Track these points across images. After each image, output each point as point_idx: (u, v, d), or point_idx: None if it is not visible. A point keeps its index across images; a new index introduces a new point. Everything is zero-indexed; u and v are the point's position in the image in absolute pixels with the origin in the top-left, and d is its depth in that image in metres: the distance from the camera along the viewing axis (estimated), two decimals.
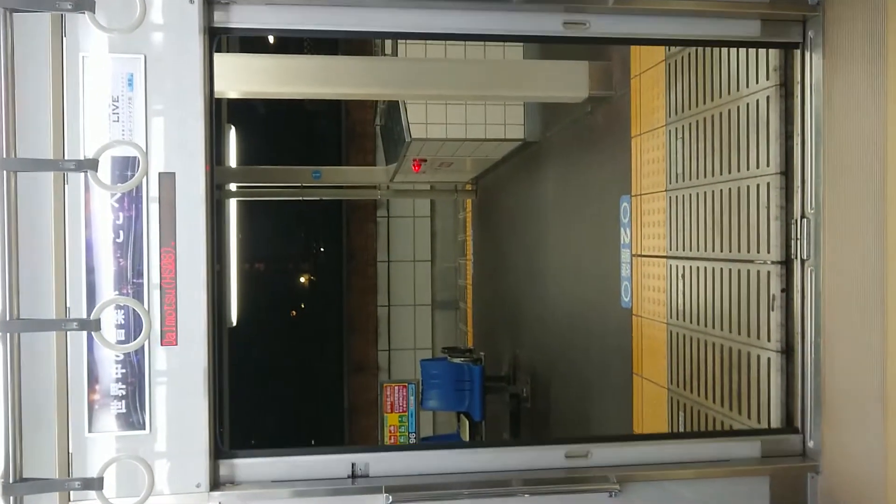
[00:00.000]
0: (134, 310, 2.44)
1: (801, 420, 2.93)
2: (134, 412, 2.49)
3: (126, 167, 2.44)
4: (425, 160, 8.51)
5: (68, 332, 2.43)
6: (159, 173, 2.49)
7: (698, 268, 4.11)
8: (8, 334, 2.25)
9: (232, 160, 10.14)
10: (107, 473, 2.38)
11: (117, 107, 2.46)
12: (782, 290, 3.28)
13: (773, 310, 3.35)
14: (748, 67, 3.58)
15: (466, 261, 11.47)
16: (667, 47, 4.41)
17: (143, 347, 2.47)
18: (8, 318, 2.25)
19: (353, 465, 2.69)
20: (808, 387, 2.90)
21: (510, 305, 8.70)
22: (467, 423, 8.55)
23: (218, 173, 2.86)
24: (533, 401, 7.77)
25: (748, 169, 3.58)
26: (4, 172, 2.25)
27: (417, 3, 2.68)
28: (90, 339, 2.44)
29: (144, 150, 2.44)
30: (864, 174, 2.57)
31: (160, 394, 2.51)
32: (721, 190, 3.86)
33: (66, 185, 2.45)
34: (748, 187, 3.57)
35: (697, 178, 4.12)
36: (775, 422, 3.28)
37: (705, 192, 4.03)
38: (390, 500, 2.55)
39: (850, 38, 2.64)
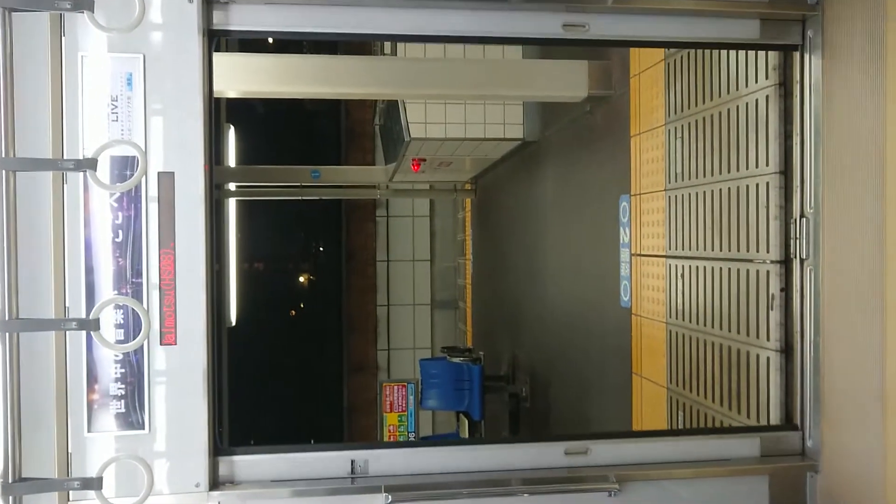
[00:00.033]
0: (133, 309, 2.44)
1: (800, 419, 2.93)
2: (133, 412, 2.49)
3: (125, 167, 2.44)
4: (424, 160, 8.51)
5: (67, 332, 2.43)
6: (158, 173, 2.49)
7: (697, 267, 4.11)
8: (7, 334, 2.25)
9: (231, 160, 10.14)
10: (106, 473, 2.38)
11: (116, 106, 2.46)
12: (781, 290, 3.28)
13: (772, 309, 3.35)
14: (747, 67, 3.58)
15: (466, 260, 11.47)
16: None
17: (142, 347, 2.47)
18: (7, 318, 2.25)
19: (352, 461, 2.69)
20: (807, 386, 2.90)
21: (509, 305, 8.70)
22: (466, 422, 8.56)
23: (217, 173, 2.85)
24: (532, 400, 7.77)
25: (747, 168, 3.58)
26: (3, 172, 2.25)
27: (417, 3, 2.68)
28: (89, 339, 2.44)
29: (143, 149, 2.44)
30: (864, 174, 2.57)
31: (159, 393, 2.51)
32: (720, 189, 3.86)
33: (65, 185, 2.45)
34: (747, 187, 3.57)
35: (697, 177, 4.12)
36: (774, 421, 3.28)
37: (704, 192, 4.03)
38: (390, 500, 2.55)
39: (849, 37, 2.64)
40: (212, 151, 2.56)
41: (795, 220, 2.96)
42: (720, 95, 3.87)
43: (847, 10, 2.65)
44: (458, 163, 9.03)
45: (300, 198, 9.87)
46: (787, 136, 3.27)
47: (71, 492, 2.42)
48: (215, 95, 2.69)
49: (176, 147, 2.50)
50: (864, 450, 2.60)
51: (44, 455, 2.42)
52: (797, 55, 2.90)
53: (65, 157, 2.42)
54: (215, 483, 2.58)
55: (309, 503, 2.61)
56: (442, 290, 12.39)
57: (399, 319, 12.21)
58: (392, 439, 8.34)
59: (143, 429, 2.50)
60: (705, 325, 4.03)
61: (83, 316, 2.42)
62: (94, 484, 2.34)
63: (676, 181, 4.35)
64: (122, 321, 2.46)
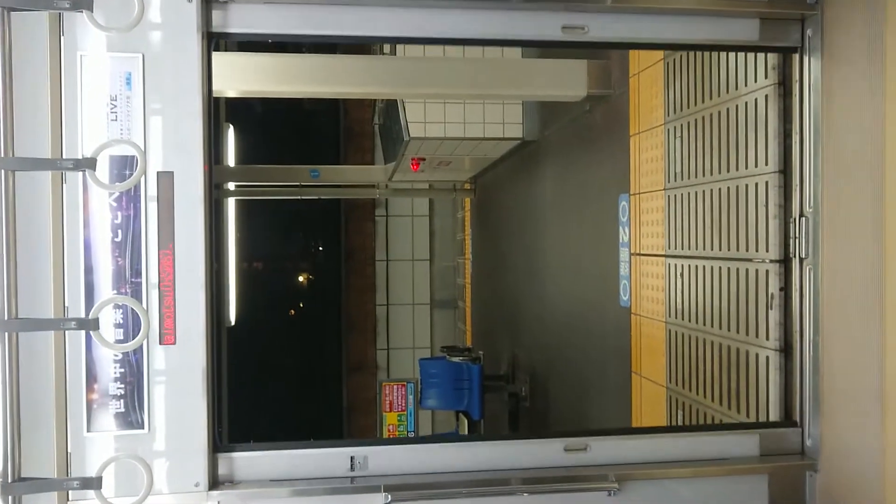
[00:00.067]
0: (132, 309, 2.44)
1: (799, 418, 2.94)
2: (132, 411, 2.49)
3: (124, 166, 2.44)
4: (424, 159, 8.51)
5: (67, 332, 2.43)
6: (157, 172, 2.49)
7: (697, 266, 4.11)
8: (6, 333, 2.25)
9: (230, 159, 10.13)
10: (105, 473, 2.38)
11: (115, 106, 2.46)
12: (781, 289, 3.29)
13: (771, 308, 3.36)
14: (746, 66, 3.58)
15: (465, 260, 11.47)
16: None
17: (141, 347, 2.47)
18: (6, 318, 2.25)
19: (351, 458, 2.69)
20: (806, 385, 2.90)
21: (509, 304, 8.70)
22: (466, 422, 8.56)
23: (216, 172, 2.86)
24: (532, 400, 7.77)
25: (747, 167, 3.59)
26: (2, 172, 2.25)
27: (417, 4, 2.68)
28: (89, 339, 2.44)
29: (143, 149, 2.44)
30: (863, 173, 2.58)
31: (159, 393, 2.50)
32: (719, 188, 3.86)
33: (64, 185, 2.45)
34: (747, 186, 3.57)
35: (696, 176, 4.12)
36: (774, 420, 3.28)
37: (704, 191, 4.03)
38: (389, 500, 2.55)
39: (848, 37, 2.65)
40: (211, 151, 2.56)
41: (795, 219, 2.96)
42: (719, 95, 3.87)
43: (846, 10, 2.65)
44: (457, 162, 9.03)
45: (299, 197, 9.86)
46: (786, 136, 3.27)
47: (70, 491, 2.42)
48: (214, 95, 2.69)
49: (175, 146, 2.50)
50: (863, 449, 2.60)
51: (43, 455, 2.42)
52: (796, 55, 2.90)
53: (64, 157, 2.42)
54: (215, 483, 2.58)
55: (308, 502, 2.61)
56: (441, 290, 12.39)
57: (398, 319, 12.21)
58: None
59: (143, 428, 2.49)
60: (705, 324, 4.03)
61: (82, 315, 2.42)
62: (94, 483, 2.34)
63: (676, 180, 4.35)
64: (121, 321, 2.46)
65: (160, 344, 2.50)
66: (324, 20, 2.66)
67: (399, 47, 7.05)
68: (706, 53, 3.99)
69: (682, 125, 4.28)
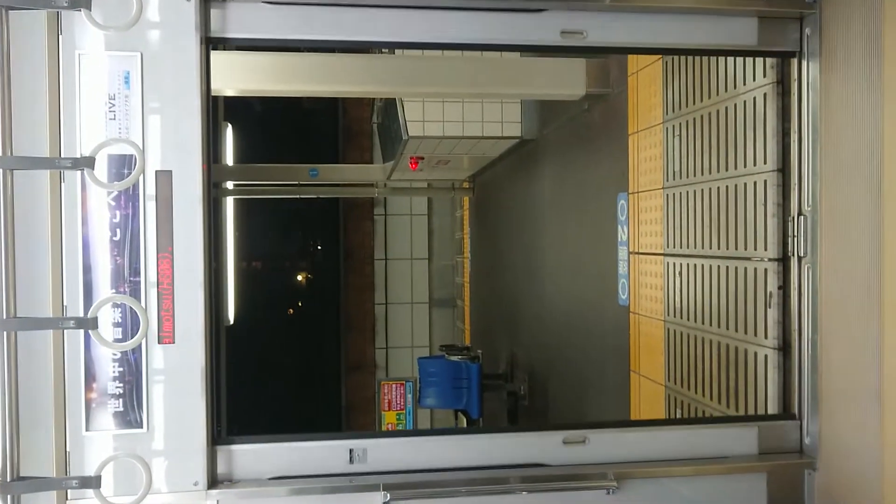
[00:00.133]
0: (131, 308, 2.44)
1: (798, 416, 2.94)
2: (131, 410, 2.49)
3: (123, 165, 2.44)
4: (422, 158, 8.51)
5: (65, 331, 2.43)
6: (156, 171, 2.49)
7: (695, 265, 4.12)
8: (5, 332, 2.25)
9: (229, 158, 10.12)
10: (104, 472, 2.38)
11: (114, 105, 2.46)
12: (779, 288, 3.29)
13: (770, 307, 3.36)
14: (745, 65, 3.58)
15: (464, 258, 11.47)
16: None
17: (140, 346, 2.47)
18: (5, 317, 2.25)
19: (350, 451, 2.69)
20: (804, 383, 2.91)
21: (508, 303, 8.70)
22: (465, 420, 8.56)
23: (215, 171, 2.86)
24: (531, 398, 7.77)
25: (745, 166, 3.59)
26: (1, 171, 2.25)
27: (417, 9, 2.68)
28: (87, 338, 2.44)
29: (141, 147, 2.43)
30: (861, 171, 2.58)
31: (158, 392, 2.50)
32: (718, 187, 3.87)
33: (62, 184, 2.44)
34: (745, 185, 3.58)
35: (695, 175, 4.12)
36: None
37: (702, 190, 4.03)
38: (388, 498, 2.55)
39: (847, 35, 2.65)
40: (209, 150, 2.56)
41: (793, 217, 2.97)
42: (718, 93, 3.87)
43: (845, 9, 2.65)
44: (455, 161, 9.02)
45: (298, 196, 9.86)
46: (784, 134, 3.27)
47: (69, 490, 2.42)
48: (213, 93, 2.68)
49: (173, 145, 2.49)
50: (861, 447, 2.61)
51: (42, 454, 2.42)
52: (795, 53, 2.90)
53: (62, 156, 2.41)
54: (214, 482, 2.58)
55: (307, 501, 2.61)
56: (440, 289, 12.39)
57: (397, 318, 12.21)
58: None
59: (142, 427, 2.49)
60: (703, 323, 4.04)
61: (81, 315, 2.42)
62: (93, 483, 2.34)
63: (674, 179, 4.35)
64: (120, 320, 2.46)
65: (159, 343, 2.50)
66: (325, 22, 2.66)
67: None
68: None
69: (680, 124, 4.28)
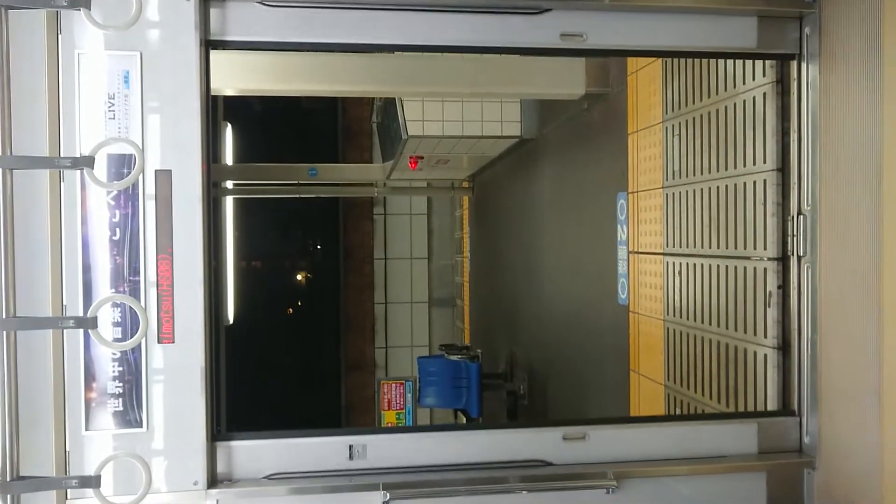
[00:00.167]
0: (130, 307, 2.44)
1: (797, 414, 2.94)
2: (131, 410, 2.49)
3: (122, 164, 2.44)
4: (422, 157, 8.50)
5: (65, 330, 2.43)
6: (155, 171, 2.49)
7: (695, 264, 4.12)
8: (4, 332, 2.25)
9: (228, 158, 10.12)
10: (104, 471, 2.38)
11: (113, 104, 2.46)
12: (779, 287, 3.29)
13: (769, 306, 3.36)
14: (744, 64, 3.58)
15: (463, 258, 11.47)
16: None
17: (140, 345, 2.46)
18: (4, 316, 2.25)
19: (350, 447, 2.69)
20: (804, 383, 2.91)
21: (507, 303, 8.70)
22: (465, 420, 8.56)
23: (214, 171, 2.85)
24: (530, 398, 7.77)
25: (745, 166, 3.59)
26: (0, 170, 2.25)
27: (417, 11, 2.68)
28: (87, 337, 2.44)
29: (140, 147, 2.43)
30: (861, 171, 2.58)
31: (157, 392, 2.50)
32: (718, 187, 3.87)
33: (62, 183, 2.44)
34: (745, 184, 3.58)
35: (694, 174, 4.12)
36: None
37: (702, 189, 4.03)
38: (388, 498, 2.56)
39: (846, 35, 2.65)
40: (209, 149, 2.56)
41: (793, 217, 2.97)
42: (717, 93, 3.87)
43: (844, 9, 2.65)
44: (455, 160, 9.02)
45: (297, 196, 9.86)
46: (784, 133, 3.27)
47: (69, 490, 2.41)
48: (212, 93, 2.68)
49: (173, 145, 2.49)
50: (861, 446, 2.61)
51: (42, 453, 2.42)
52: (794, 52, 2.90)
53: (62, 155, 2.41)
54: (213, 481, 2.58)
55: (307, 500, 2.61)
56: (439, 288, 12.39)
57: (397, 317, 12.21)
58: None
59: (141, 427, 2.49)
60: (703, 322, 4.04)
61: (81, 314, 2.42)
62: (92, 482, 2.34)
63: (674, 178, 4.36)
64: (119, 319, 2.46)
65: (158, 343, 2.50)
66: (323, 25, 2.65)
67: None
68: None
69: (680, 123, 4.28)
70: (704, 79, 4.01)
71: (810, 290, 2.87)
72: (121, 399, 2.48)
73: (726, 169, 3.79)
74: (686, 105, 4.21)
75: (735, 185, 3.68)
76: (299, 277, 13.42)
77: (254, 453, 2.65)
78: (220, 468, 2.62)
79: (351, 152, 11.85)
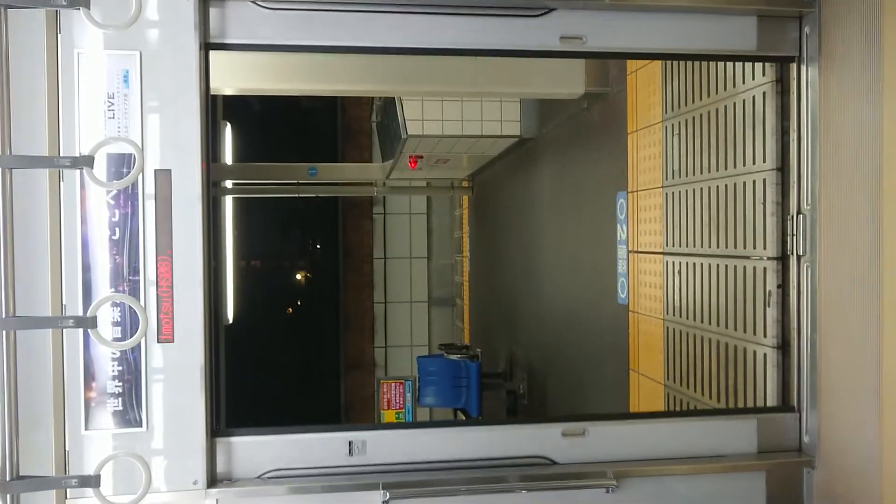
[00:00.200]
0: (130, 307, 2.44)
1: (797, 410, 2.94)
2: (131, 409, 2.49)
3: (122, 164, 2.44)
4: (421, 157, 8.50)
5: (64, 330, 2.43)
6: (155, 170, 2.49)
7: (695, 264, 4.12)
8: (4, 332, 2.25)
9: (228, 157, 10.11)
10: (104, 471, 2.38)
11: (113, 103, 2.45)
12: (778, 286, 3.29)
13: (769, 306, 3.36)
14: (744, 64, 3.58)
15: (463, 257, 11.47)
16: None
17: (139, 345, 2.47)
18: (4, 316, 2.25)
19: (350, 443, 2.69)
20: (803, 382, 2.91)
21: (507, 302, 8.70)
22: (464, 419, 8.56)
23: (214, 170, 2.85)
24: (530, 397, 7.78)
25: (744, 165, 3.59)
26: (0, 169, 2.25)
27: (416, 14, 2.67)
28: (86, 337, 2.44)
29: (140, 146, 2.43)
30: (860, 170, 2.58)
31: (157, 391, 2.50)
32: (717, 186, 3.87)
33: (61, 182, 2.44)
34: (744, 183, 3.58)
35: (694, 174, 4.12)
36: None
37: (702, 189, 4.03)
38: (388, 497, 2.56)
39: (846, 34, 2.65)
40: (208, 148, 2.56)
41: (792, 216, 2.97)
42: (717, 92, 3.87)
43: (844, 8, 2.65)
44: (455, 160, 9.02)
45: (297, 195, 9.85)
46: (783, 133, 3.27)
47: (68, 489, 2.42)
48: (212, 92, 2.68)
49: (172, 144, 2.49)
50: (860, 445, 2.61)
51: (41, 453, 2.42)
52: (794, 51, 2.90)
53: (61, 155, 2.41)
54: (213, 480, 2.58)
55: (306, 500, 2.61)
56: (439, 288, 12.39)
57: (396, 317, 12.20)
58: None
59: (141, 426, 2.49)
60: (702, 321, 4.04)
61: (80, 314, 2.42)
62: (92, 482, 2.34)
63: (674, 178, 4.36)
64: (119, 319, 2.46)
65: (158, 342, 2.50)
66: (323, 27, 2.65)
67: None
68: None
69: (679, 122, 4.28)
70: (704, 78, 4.01)
71: (810, 289, 2.87)
72: (120, 398, 2.48)
73: (726, 168, 3.79)
74: (686, 104, 4.21)
75: (735, 184, 3.68)
76: (299, 277, 13.42)
77: (253, 449, 2.65)
78: (220, 468, 2.62)
79: (350, 152, 11.85)
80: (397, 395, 8.52)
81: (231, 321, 10.28)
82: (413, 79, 5.56)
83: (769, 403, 3.32)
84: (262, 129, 11.99)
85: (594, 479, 2.68)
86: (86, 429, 2.47)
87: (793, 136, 2.95)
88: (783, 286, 3.26)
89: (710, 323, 3.96)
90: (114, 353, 2.47)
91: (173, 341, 2.50)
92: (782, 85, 3.29)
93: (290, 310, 13.38)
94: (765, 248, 3.38)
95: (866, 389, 2.57)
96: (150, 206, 2.48)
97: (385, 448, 2.71)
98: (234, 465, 2.64)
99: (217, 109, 9.25)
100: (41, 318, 2.39)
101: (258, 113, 12.06)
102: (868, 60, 2.54)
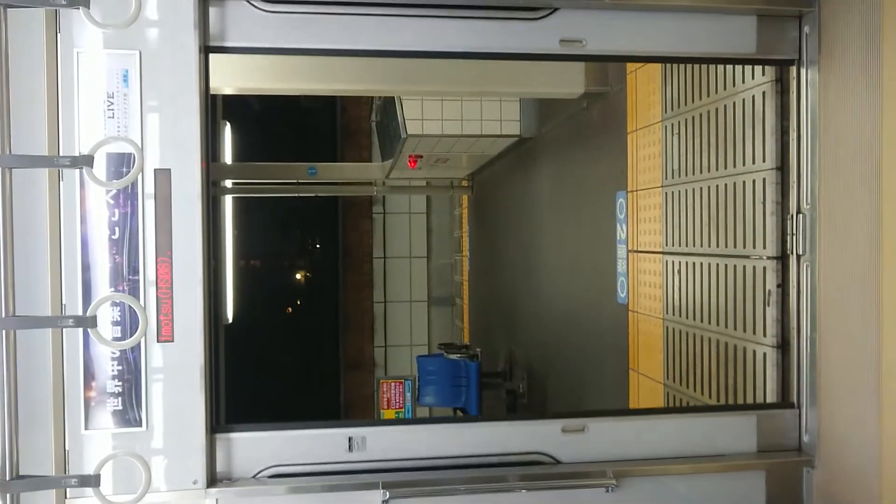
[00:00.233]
0: (130, 306, 2.44)
1: (796, 405, 2.94)
2: (130, 409, 2.49)
3: (121, 164, 2.44)
4: (421, 156, 8.50)
5: (64, 329, 2.43)
6: (155, 170, 2.49)
7: (694, 263, 4.12)
8: (4, 331, 2.25)
9: (227, 156, 10.11)
10: (103, 470, 2.38)
11: (112, 103, 2.45)
12: (778, 286, 3.29)
13: (768, 305, 3.36)
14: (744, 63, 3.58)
15: (462, 257, 11.47)
16: None
17: (139, 344, 2.46)
18: (4, 315, 2.25)
19: (349, 438, 2.69)
20: (803, 381, 2.91)
21: (506, 302, 8.70)
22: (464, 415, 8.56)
23: (213, 170, 2.86)
24: (529, 396, 7.78)
25: (744, 164, 3.59)
26: (0, 169, 2.25)
27: (415, 17, 2.67)
28: (86, 336, 2.44)
29: (140, 146, 2.43)
30: (860, 170, 2.58)
31: (157, 390, 2.50)
32: (717, 185, 3.87)
33: (61, 182, 2.44)
34: (744, 183, 3.58)
35: (694, 173, 4.12)
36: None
37: (701, 188, 4.03)
38: (387, 497, 2.56)
39: (846, 33, 2.65)
40: (208, 148, 2.56)
41: (792, 216, 2.97)
42: (717, 92, 3.87)
43: (844, 7, 2.65)
44: (454, 159, 9.02)
45: (296, 195, 9.85)
46: (783, 132, 3.27)
47: (68, 489, 2.42)
48: (211, 92, 2.68)
49: (172, 144, 2.49)
50: (860, 445, 2.61)
51: (41, 452, 2.42)
52: (794, 51, 2.90)
53: (61, 154, 2.41)
54: (213, 480, 2.58)
55: (306, 499, 2.61)
56: (439, 287, 12.39)
57: (396, 316, 12.20)
58: None
59: (141, 426, 2.49)
60: (702, 321, 4.04)
61: (80, 313, 2.42)
62: (92, 481, 2.34)
63: (673, 177, 4.36)
64: (118, 318, 2.46)
65: (158, 341, 2.50)
66: (323, 28, 2.65)
67: None
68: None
69: (679, 122, 4.28)
70: (704, 78, 4.01)
71: (809, 288, 2.87)
72: (120, 398, 2.48)
73: (725, 168, 3.79)
74: (685, 104, 4.21)
75: (734, 183, 3.68)
76: (298, 276, 13.41)
77: (253, 445, 2.65)
78: (220, 467, 2.62)
79: (350, 151, 11.84)
80: (397, 395, 8.52)
81: (231, 321, 10.28)
82: (413, 78, 5.56)
83: (769, 402, 3.32)
84: (262, 128, 11.98)
85: (594, 479, 2.68)
86: (85, 428, 2.47)
87: (792, 135, 2.95)
88: (783, 285, 3.26)
89: (709, 322, 3.96)
90: (113, 353, 2.47)
91: (173, 341, 2.50)
92: (782, 84, 3.29)
93: (290, 309, 13.38)
94: (764, 248, 3.38)
95: (866, 388, 2.57)
96: (150, 205, 2.48)
97: (385, 444, 2.71)
98: (234, 461, 2.63)
99: (216, 109, 9.24)
100: (41, 317, 2.39)
101: (258, 112, 12.05)
102: (868, 60, 2.54)
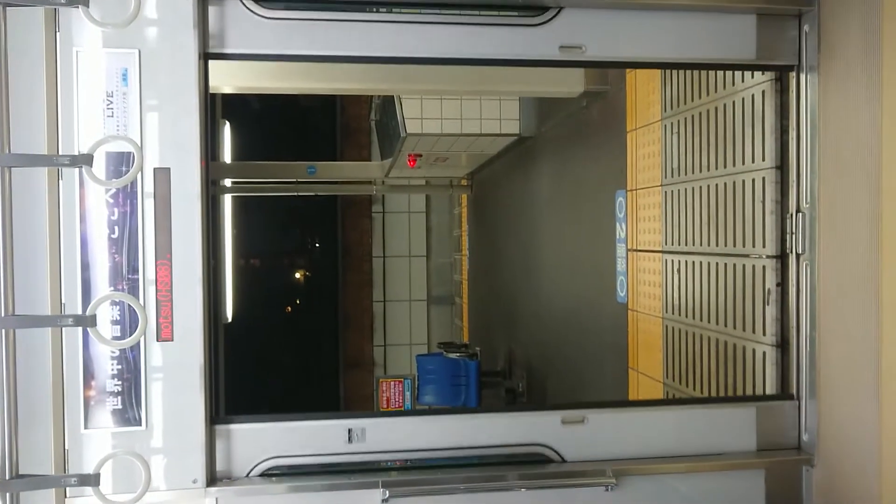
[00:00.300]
0: (129, 305, 2.44)
1: (795, 399, 2.95)
2: (130, 408, 2.49)
3: (121, 162, 2.44)
4: (420, 155, 8.50)
5: (64, 329, 2.43)
6: (154, 169, 2.49)
7: (694, 262, 4.12)
8: (3, 330, 2.25)
9: (227, 155, 10.11)
10: (103, 470, 2.38)
11: (112, 102, 2.45)
12: (777, 285, 3.29)
13: (768, 304, 3.36)
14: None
15: (462, 256, 11.47)
16: None
17: (139, 343, 2.46)
18: (3, 315, 2.24)
19: (349, 430, 2.70)
20: (803, 380, 2.91)
21: (506, 301, 8.70)
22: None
23: (213, 169, 2.85)
24: (529, 396, 7.78)
25: (744, 163, 3.59)
26: None
27: (414, 23, 2.68)
28: (86, 336, 2.44)
29: (139, 145, 2.43)
30: (860, 169, 2.58)
31: (156, 389, 2.50)
32: (716, 184, 3.87)
33: (60, 181, 2.44)
34: (743, 182, 3.58)
35: (693, 172, 4.12)
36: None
37: (701, 187, 4.03)
38: (387, 496, 2.56)
39: (846, 32, 2.65)
40: (207, 147, 2.56)
41: (791, 215, 2.97)
42: (716, 90, 3.87)
43: (843, 5, 2.65)
44: (454, 158, 9.02)
45: (296, 194, 9.85)
46: (783, 131, 3.27)
47: (68, 488, 2.42)
48: (211, 91, 2.68)
49: (171, 143, 2.49)
50: (859, 443, 2.61)
51: (41, 452, 2.42)
52: (793, 49, 2.90)
53: (60, 153, 2.41)
54: (213, 479, 2.58)
55: (305, 498, 2.61)
56: (438, 286, 12.39)
57: (395, 315, 12.20)
58: None
59: (140, 425, 2.49)
60: (701, 320, 4.04)
61: (79, 312, 2.42)
62: (92, 480, 2.34)
63: (673, 176, 4.36)
64: (118, 317, 2.46)
65: (157, 340, 2.50)
66: (321, 35, 2.65)
67: None
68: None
69: (679, 121, 4.28)
70: (703, 77, 4.01)
71: (809, 287, 2.87)
72: (120, 397, 2.48)
73: (725, 167, 3.79)
74: (685, 103, 4.21)
75: (734, 182, 3.68)
76: (298, 275, 13.41)
77: (252, 436, 2.65)
78: (220, 465, 2.62)
79: (349, 150, 11.84)
80: (396, 394, 8.52)
81: (230, 320, 10.28)
82: (412, 78, 5.56)
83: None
84: (261, 127, 11.98)
85: (593, 478, 2.68)
86: (85, 427, 2.47)
87: (792, 134, 2.95)
88: (782, 284, 3.26)
89: (709, 321, 3.96)
90: (113, 352, 2.47)
91: (173, 340, 2.50)
92: (781, 83, 3.29)
93: (290, 308, 13.38)
94: (764, 247, 3.38)
95: (865, 387, 2.57)
96: (150, 204, 2.48)
97: (384, 435, 2.71)
98: (234, 454, 2.63)
99: (216, 108, 9.24)
100: (40, 316, 2.38)
101: (257, 111, 12.05)
102: (868, 59, 2.54)
